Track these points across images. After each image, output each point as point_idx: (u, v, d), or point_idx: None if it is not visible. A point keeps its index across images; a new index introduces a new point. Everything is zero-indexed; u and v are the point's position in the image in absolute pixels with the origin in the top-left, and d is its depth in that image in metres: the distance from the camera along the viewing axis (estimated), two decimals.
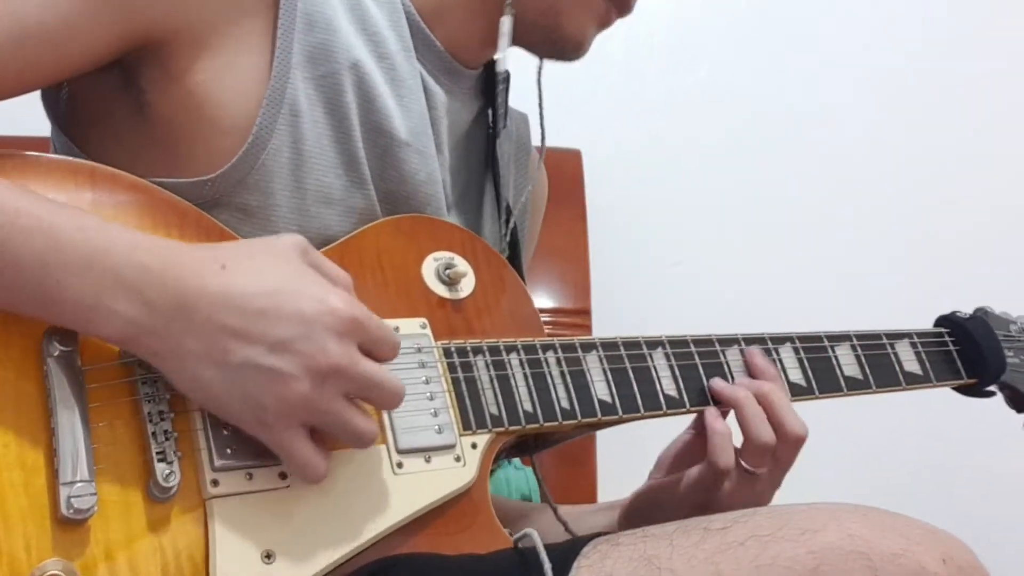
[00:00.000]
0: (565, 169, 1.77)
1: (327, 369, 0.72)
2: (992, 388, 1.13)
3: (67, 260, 0.71)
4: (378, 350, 0.77)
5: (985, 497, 1.91)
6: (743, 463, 0.94)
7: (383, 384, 0.76)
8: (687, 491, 0.97)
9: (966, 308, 1.15)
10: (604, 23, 1.03)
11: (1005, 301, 1.18)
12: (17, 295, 0.72)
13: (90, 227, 0.73)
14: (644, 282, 1.94)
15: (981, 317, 1.13)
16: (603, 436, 1.70)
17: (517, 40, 1.02)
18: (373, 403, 0.78)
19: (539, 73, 1.09)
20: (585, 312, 1.77)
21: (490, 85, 1.07)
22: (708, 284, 1.95)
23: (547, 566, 0.75)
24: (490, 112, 1.09)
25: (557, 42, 1.02)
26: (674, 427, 1.02)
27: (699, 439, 0.99)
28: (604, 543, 0.78)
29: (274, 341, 0.72)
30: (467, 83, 1.04)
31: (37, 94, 0.90)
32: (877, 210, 2.01)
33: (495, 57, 0.99)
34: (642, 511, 1.02)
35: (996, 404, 1.16)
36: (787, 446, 0.95)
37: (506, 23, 0.99)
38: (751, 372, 0.99)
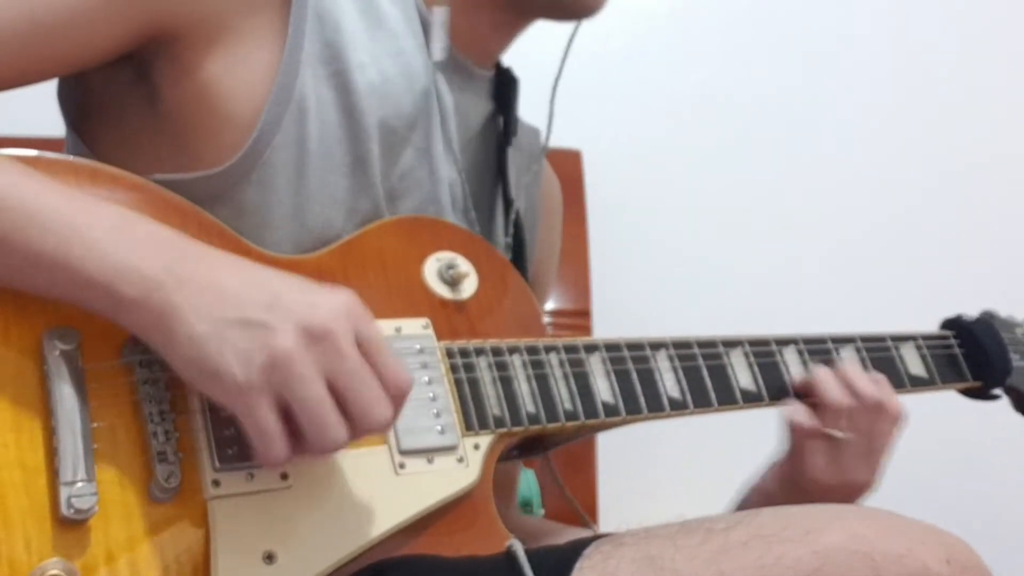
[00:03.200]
0: (565, 169, 1.77)
1: (317, 327, 0.71)
2: (997, 391, 1.12)
3: (92, 222, 0.72)
4: (379, 362, 0.74)
5: (988, 498, 1.91)
6: (823, 429, 0.96)
7: (367, 379, 0.72)
8: (777, 474, 0.99)
9: (972, 311, 1.14)
10: None
11: (1012, 304, 1.18)
12: (37, 259, 0.72)
13: (114, 205, 0.76)
14: (644, 282, 1.94)
15: (987, 320, 1.13)
16: (604, 438, 1.70)
17: (528, 11, 1.02)
18: (350, 404, 0.72)
19: (566, 51, 1.08)
20: (585, 313, 1.77)
21: (501, 90, 1.07)
22: (708, 284, 1.95)
23: None
24: (501, 116, 1.08)
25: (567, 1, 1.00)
26: (678, 430, 1.02)
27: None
28: (607, 543, 0.78)
29: (271, 301, 0.72)
30: (478, 84, 1.03)
31: (43, 95, 0.91)
32: (880, 211, 2.01)
33: (434, 45, 0.97)
34: None
35: (1000, 407, 1.16)
36: (866, 412, 0.97)
37: (442, 12, 0.97)
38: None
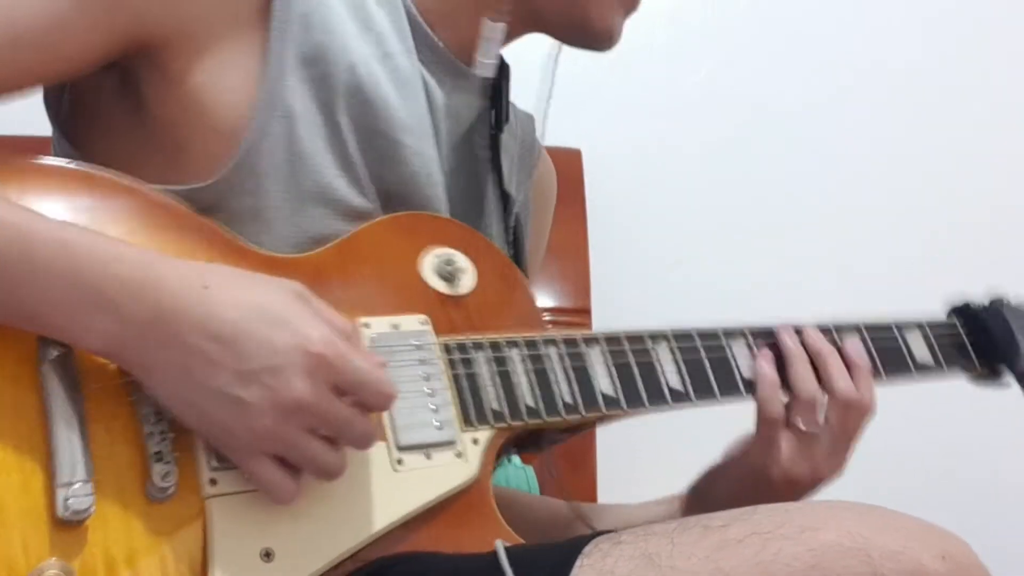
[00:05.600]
0: (565, 169, 1.76)
1: (291, 405, 0.72)
2: (1006, 378, 1.12)
3: (46, 274, 0.71)
4: (361, 393, 0.75)
5: (985, 495, 1.91)
6: (794, 422, 0.95)
7: (350, 424, 0.75)
8: (745, 459, 0.98)
9: (978, 296, 1.14)
10: (630, 7, 1.03)
11: (1017, 287, 1.18)
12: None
13: (70, 240, 0.73)
14: (644, 282, 1.94)
15: (995, 306, 1.12)
16: (603, 436, 1.70)
17: (541, 27, 1.03)
18: (343, 444, 0.77)
19: (555, 62, 1.09)
20: (585, 312, 1.77)
21: (494, 83, 1.06)
22: (708, 283, 1.95)
23: None
24: (493, 110, 1.08)
25: (586, 33, 1.01)
26: (677, 423, 1.02)
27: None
28: (605, 541, 0.78)
29: (241, 371, 0.71)
30: (471, 83, 1.03)
31: (38, 96, 0.90)
32: (877, 207, 2.01)
33: (478, 59, 0.98)
34: (703, 492, 1.04)
35: (998, 402, 1.15)
36: (838, 410, 0.96)
37: (497, 29, 0.98)
38: (806, 345, 1.00)
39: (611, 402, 0.92)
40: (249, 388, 0.71)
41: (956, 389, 1.14)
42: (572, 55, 1.09)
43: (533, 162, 1.15)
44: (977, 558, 0.75)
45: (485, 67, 0.99)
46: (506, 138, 1.08)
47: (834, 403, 0.97)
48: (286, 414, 0.72)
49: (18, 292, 0.71)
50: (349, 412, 0.75)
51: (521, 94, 1.12)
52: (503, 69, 1.06)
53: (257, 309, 0.74)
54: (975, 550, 0.75)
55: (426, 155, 0.96)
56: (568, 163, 1.82)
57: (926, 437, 1.88)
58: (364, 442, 0.77)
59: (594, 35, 1.02)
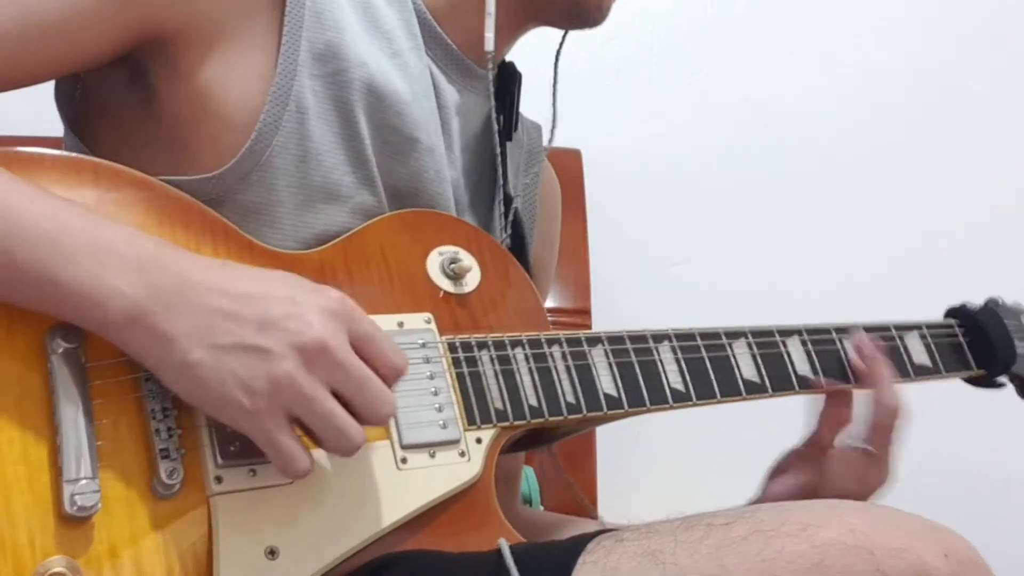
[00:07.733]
0: (565, 169, 1.77)
1: (313, 345, 0.71)
2: (1002, 379, 1.12)
3: (77, 242, 0.72)
4: (375, 353, 0.75)
5: (987, 493, 1.91)
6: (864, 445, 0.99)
7: (369, 380, 0.74)
8: (793, 487, 1.01)
9: (976, 299, 1.14)
10: None
11: (1016, 291, 1.18)
12: (23, 277, 0.72)
13: (99, 217, 0.75)
14: (644, 282, 1.94)
15: (991, 308, 1.13)
16: (603, 436, 1.70)
17: (537, 16, 1.03)
18: (357, 407, 0.74)
19: (557, 57, 1.10)
20: (585, 312, 1.77)
21: (503, 85, 1.07)
22: (708, 284, 1.95)
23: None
24: (499, 110, 1.08)
25: (576, 8, 1.02)
26: (678, 422, 1.02)
27: (813, 452, 1.03)
28: (608, 539, 0.78)
29: (262, 320, 0.72)
30: (480, 83, 1.03)
31: (42, 95, 0.91)
32: (877, 208, 2.01)
33: (486, 35, 0.98)
34: None
35: (999, 401, 1.16)
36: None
37: (490, 2, 0.98)
38: (862, 353, 1.02)
39: (613, 402, 0.92)
40: (270, 335, 0.71)
41: (957, 386, 1.15)
42: (572, 56, 1.09)
43: (537, 172, 1.15)
44: (980, 556, 0.75)
45: (488, 41, 0.99)
46: (512, 145, 1.08)
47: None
48: (307, 358, 0.71)
49: (47, 260, 0.71)
50: (368, 370, 0.74)
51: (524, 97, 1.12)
52: (514, 75, 1.06)
53: (277, 276, 0.76)
54: (977, 547, 0.76)
55: (437, 152, 0.96)
56: (568, 163, 1.82)
57: (927, 434, 1.88)
58: (382, 406, 0.74)
59: (584, 8, 1.02)
